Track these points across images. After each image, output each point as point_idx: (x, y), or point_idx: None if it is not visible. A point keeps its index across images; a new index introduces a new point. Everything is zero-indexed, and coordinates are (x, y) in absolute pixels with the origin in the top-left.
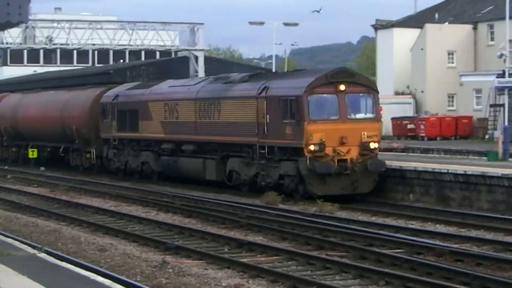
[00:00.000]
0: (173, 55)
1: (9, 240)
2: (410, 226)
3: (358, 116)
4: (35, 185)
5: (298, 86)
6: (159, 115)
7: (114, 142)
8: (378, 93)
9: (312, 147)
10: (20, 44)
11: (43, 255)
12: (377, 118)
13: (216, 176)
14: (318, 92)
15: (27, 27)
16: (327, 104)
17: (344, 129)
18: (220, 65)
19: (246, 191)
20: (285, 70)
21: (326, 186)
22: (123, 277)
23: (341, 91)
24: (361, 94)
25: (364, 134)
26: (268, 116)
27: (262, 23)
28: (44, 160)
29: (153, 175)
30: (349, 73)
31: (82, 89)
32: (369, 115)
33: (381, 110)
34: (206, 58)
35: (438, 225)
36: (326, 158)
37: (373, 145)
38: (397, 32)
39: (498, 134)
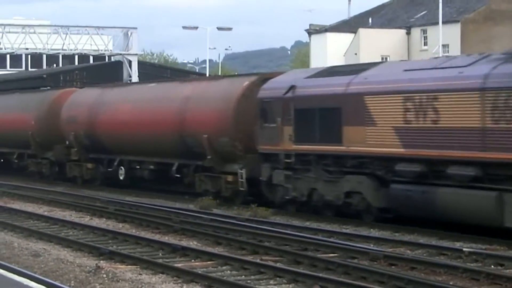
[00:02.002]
0: (106, 60)
1: None
2: (344, 230)
3: None
4: None
5: None
6: (390, 117)
7: (286, 159)
8: None
9: None
10: None
11: None
12: None
13: None
14: None
15: None
16: None
17: None
18: (154, 70)
19: None
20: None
21: None
22: (56, 283)
23: None
24: None
25: None
26: None
27: (196, 28)
28: (141, 181)
29: (367, 214)
30: None
31: (214, 80)
32: None
33: None
34: (140, 63)
35: (372, 230)
36: None
37: None
38: (331, 36)
39: None
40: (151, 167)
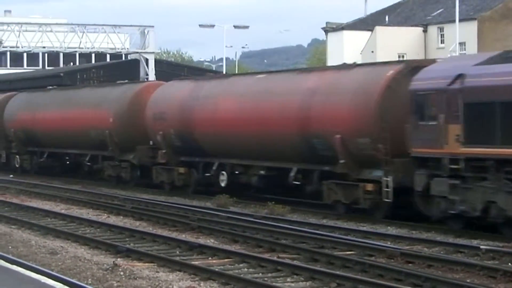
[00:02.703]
0: (123, 58)
1: None
2: (361, 228)
3: None
4: None
5: None
6: None
7: (452, 164)
8: None
9: None
10: None
11: None
12: None
13: None
14: None
15: None
16: None
17: None
18: (171, 68)
19: None
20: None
21: None
22: (74, 280)
23: None
24: None
25: None
26: None
27: (212, 26)
28: (247, 188)
29: None
30: None
31: (344, 69)
32: None
33: None
34: (156, 61)
35: (389, 227)
36: None
37: None
38: (348, 34)
39: None
40: (262, 172)
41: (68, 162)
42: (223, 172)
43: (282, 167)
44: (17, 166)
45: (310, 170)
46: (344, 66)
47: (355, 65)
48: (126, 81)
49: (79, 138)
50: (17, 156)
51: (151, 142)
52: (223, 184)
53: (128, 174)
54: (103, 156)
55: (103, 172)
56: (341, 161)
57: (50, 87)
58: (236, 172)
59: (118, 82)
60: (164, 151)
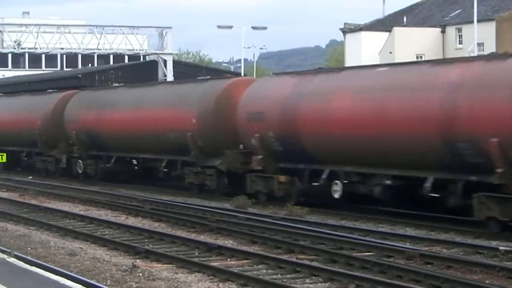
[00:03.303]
0: (141, 59)
1: None
2: (379, 229)
3: None
4: (4, 190)
5: None
6: None
7: None
8: None
9: None
10: None
11: (12, 259)
12: None
13: None
14: None
15: None
16: None
17: None
18: (189, 69)
19: None
20: (254, 75)
21: None
22: (93, 282)
23: None
24: None
25: None
26: None
27: (230, 27)
28: (367, 201)
29: None
30: None
31: (497, 59)
32: None
33: None
34: (175, 62)
35: (407, 228)
36: None
37: None
38: (366, 35)
39: None
40: (387, 182)
41: (136, 168)
42: (337, 181)
43: (413, 176)
44: (79, 172)
45: (450, 180)
46: (495, 56)
47: (509, 55)
48: (208, 77)
49: (154, 141)
50: (80, 161)
51: (241, 146)
52: (336, 196)
53: (214, 182)
54: (183, 161)
55: (183, 179)
56: (499, 170)
57: (117, 84)
58: (352, 182)
59: (200, 78)
60: (260, 156)
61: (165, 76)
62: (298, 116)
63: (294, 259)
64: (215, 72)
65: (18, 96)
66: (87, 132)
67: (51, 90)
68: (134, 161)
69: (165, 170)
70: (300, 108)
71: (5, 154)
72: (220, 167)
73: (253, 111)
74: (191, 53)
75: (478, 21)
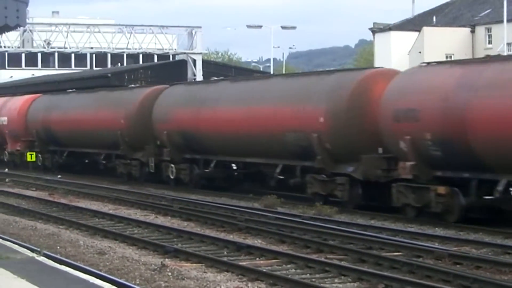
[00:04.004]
0: (171, 59)
1: (8, 244)
2: (408, 229)
3: None
4: (34, 189)
5: None
6: None
7: None
8: None
9: None
10: (18, 47)
11: (42, 258)
12: None
13: None
14: None
15: (25, 31)
16: None
17: None
18: (218, 69)
19: None
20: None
21: None
22: (122, 280)
23: None
24: None
25: None
26: None
27: (260, 27)
28: None
29: None
30: None
31: None
32: None
33: None
34: (204, 62)
35: (436, 228)
36: None
37: None
38: (395, 35)
39: None
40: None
41: (236, 173)
42: None
43: None
44: (171, 177)
45: None
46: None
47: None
48: (333, 69)
49: (267, 143)
50: (172, 165)
51: (380, 150)
52: None
53: (346, 192)
54: (304, 167)
55: (303, 188)
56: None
57: (215, 78)
58: None
59: (324, 70)
60: (412, 162)
61: (194, 75)
62: (468, 114)
63: (323, 259)
64: (244, 71)
65: (95, 92)
66: (181, 133)
67: (133, 86)
68: (234, 166)
69: (281, 177)
70: (471, 105)
71: (34, 153)
72: (355, 174)
73: (402, 108)
74: (219, 53)
75: (508, 20)
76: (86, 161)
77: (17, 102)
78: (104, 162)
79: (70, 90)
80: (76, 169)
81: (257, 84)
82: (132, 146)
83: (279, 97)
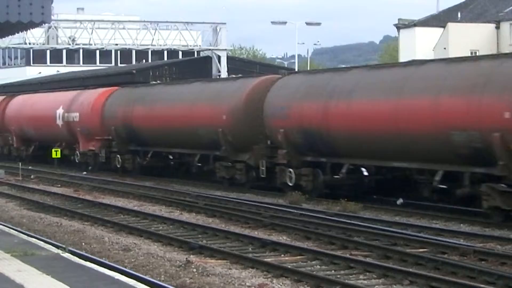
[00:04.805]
0: (195, 55)
1: (33, 240)
2: (433, 225)
3: None
4: (59, 185)
5: None
6: None
7: None
8: None
9: None
10: (43, 44)
11: (67, 255)
12: None
13: None
14: None
15: (50, 27)
16: None
17: None
18: (243, 65)
19: None
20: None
21: None
22: (147, 277)
23: None
24: None
25: None
26: None
27: (284, 23)
28: None
29: None
30: None
31: None
32: None
33: None
34: (229, 58)
35: (462, 225)
36: None
37: None
38: (420, 31)
39: None
40: None
41: (367, 180)
42: None
43: None
44: (289, 184)
45: None
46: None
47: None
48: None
49: (427, 143)
50: (290, 170)
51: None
52: None
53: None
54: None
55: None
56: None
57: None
58: None
59: (469, 56)
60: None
61: (219, 72)
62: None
63: (348, 255)
64: (268, 68)
65: (189, 84)
66: (305, 131)
67: (234, 76)
68: (364, 171)
69: (442, 186)
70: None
71: (59, 150)
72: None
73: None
74: (244, 49)
75: None
76: (172, 163)
77: (91, 95)
78: (199, 164)
79: (155, 82)
80: (158, 172)
81: (409, 71)
82: (236, 147)
83: (449, 87)
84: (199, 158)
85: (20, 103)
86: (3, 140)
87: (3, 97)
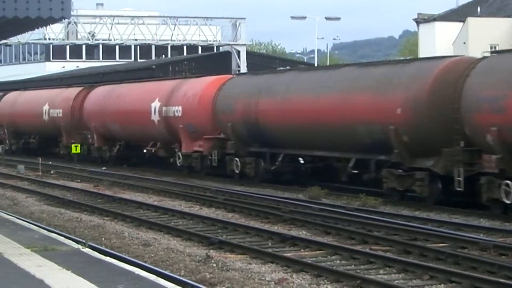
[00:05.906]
0: (215, 50)
1: (53, 235)
2: (453, 220)
3: None
4: (79, 180)
5: None
6: None
7: None
8: None
9: None
10: (63, 39)
11: (87, 250)
12: None
13: None
14: None
15: (69, 23)
16: None
17: None
18: (262, 60)
19: None
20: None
21: None
22: (167, 272)
23: None
24: None
25: None
26: None
27: (304, 18)
28: None
29: None
30: None
31: None
32: None
33: None
34: (248, 53)
35: (481, 220)
36: None
37: None
38: (439, 26)
39: None
40: None
41: (303, 168)
42: None
43: None
44: (507, 202)
45: None
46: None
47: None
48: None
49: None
50: (507, 183)
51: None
52: None
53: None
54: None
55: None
56: None
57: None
58: None
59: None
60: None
61: (239, 67)
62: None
63: (367, 250)
64: (288, 63)
65: (337, 70)
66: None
67: (406, 58)
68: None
69: None
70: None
71: (79, 145)
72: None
73: None
74: (263, 44)
75: None
76: (302, 168)
77: (198, 85)
78: (355, 172)
79: (283, 68)
80: (288, 179)
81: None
82: (415, 150)
83: None
84: (355, 163)
85: (103, 95)
86: (81, 139)
87: (80, 88)
